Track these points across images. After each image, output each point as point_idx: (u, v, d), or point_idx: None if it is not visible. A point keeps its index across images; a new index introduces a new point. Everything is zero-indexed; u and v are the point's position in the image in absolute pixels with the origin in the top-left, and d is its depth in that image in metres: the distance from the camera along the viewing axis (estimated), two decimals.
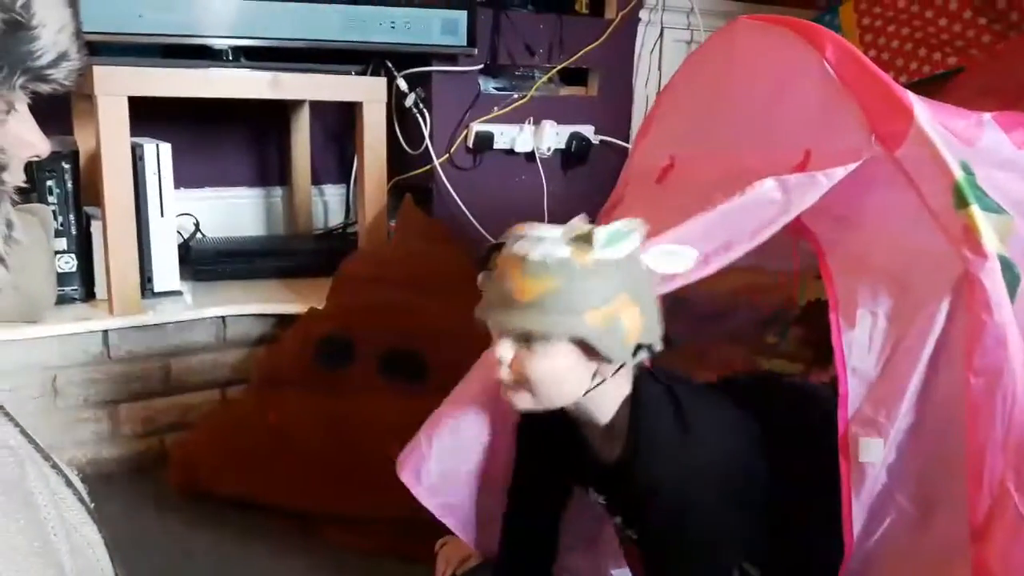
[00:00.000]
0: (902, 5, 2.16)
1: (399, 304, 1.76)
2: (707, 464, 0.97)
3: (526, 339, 0.92)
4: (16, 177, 0.58)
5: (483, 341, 1.59)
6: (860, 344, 0.98)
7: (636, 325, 0.92)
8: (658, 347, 0.96)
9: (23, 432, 0.62)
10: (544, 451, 1.14)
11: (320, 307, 1.81)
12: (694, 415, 0.99)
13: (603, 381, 0.96)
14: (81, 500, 0.65)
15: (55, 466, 0.64)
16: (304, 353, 1.73)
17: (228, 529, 1.54)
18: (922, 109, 0.94)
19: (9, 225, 0.56)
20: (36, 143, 0.60)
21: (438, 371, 1.72)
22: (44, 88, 0.58)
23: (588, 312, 0.89)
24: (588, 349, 0.92)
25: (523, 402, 0.97)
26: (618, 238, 0.89)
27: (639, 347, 0.93)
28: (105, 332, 1.70)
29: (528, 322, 0.90)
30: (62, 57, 0.57)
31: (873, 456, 0.95)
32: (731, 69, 1.15)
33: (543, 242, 0.90)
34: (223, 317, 1.82)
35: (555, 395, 0.96)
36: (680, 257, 0.94)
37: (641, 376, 1.01)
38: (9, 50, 0.53)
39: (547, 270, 0.88)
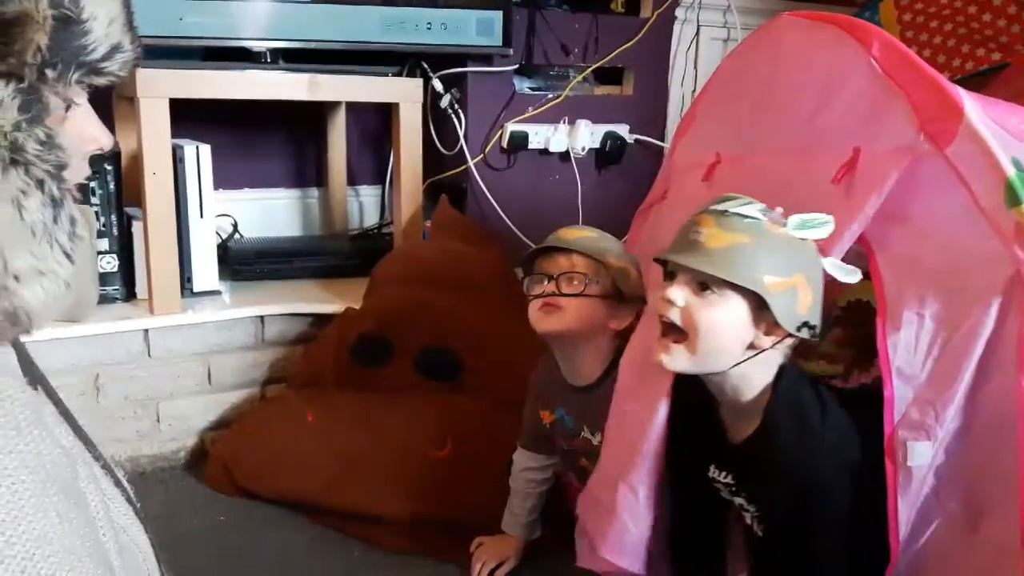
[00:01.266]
0: (944, 0, 2.12)
1: (435, 303, 1.76)
2: (838, 456, 0.98)
3: (702, 287, 0.96)
4: (78, 174, 0.59)
5: (517, 340, 1.58)
6: (906, 346, 0.96)
7: (807, 302, 0.97)
8: (817, 333, 0.99)
9: (77, 430, 0.63)
10: (681, 434, 1.15)
11: (356, 307, 1.82)
12: (831, 408, 1.01)
13: (756, 355, 0.98)
14: (129, 500, 0.66)
15: (105, 466, 0.65)
16: (341, 353, 1.74)
17: (267, 528, 1.55)
18: (972, 105, 0.92)
19: (72, 221, 0.56)
20: (98, 136, 0.60)
21: (473, 369, 1.73)
22: (100, 81, 0.58)
23: (768, 276, 0.94)
24: (757, 313, 0.96)
25: (678, 360, 0.99)
26: (810, 224, 0.96)
27: (804, 324, 0.97)
28: (146, 331, 1.73)
29: (714, 267, 0.94)
30: (115, 49, 0.57)
31: (921, 459, 0.93)
32: (775, 66, 1.13)
33: (742, 205, 0.96)
34: (261, 316, 1.84)
35: (713, 351, 0.98)
36: (852, 275, 0.98)
37: (786, 366, 1.03)
38: (62, 46, 0.53)
39: (741, 227, 0.95)
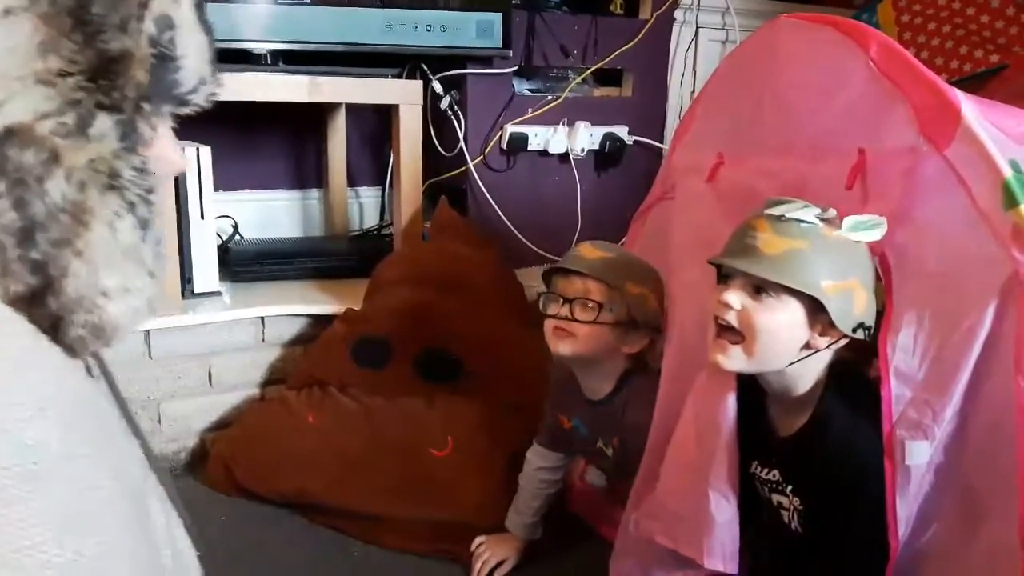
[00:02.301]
0: (942, 2, 2.13)
1: (435, 305, 1.76)
2: (882, 444, 0.98)
3: (758, 291, 0.98)
4: (163, 197, 0.61)
5: (516, 341, 1.58)
6: (904, 345, 0.97)
7: (863, 304, 0.98)
8: (872, 334, 1.00)
9: (144, 444, 0.66)
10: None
11: (357, 308, 1.82)
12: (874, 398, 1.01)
13: (811, 354, 1.00)
14: (181, 516, 0.68)
15: (163, 481, 0.67)
16: (342, 354, 1.75)
17: (267, 528, 1.55)
18: (970, 107, 0.92)
19: (157, 242, 0.59)
20: (178, 161, 0.63)
21: (473, 370, 1.73)
22: (184, 111, 0.62)
23: (826, 279, 0.95)
24: (813, 315, 0.97)
25: (734, 361, 1.01)
26: (863, 227, 0.97)
27: (859, 325, 0.98)
28: (147, 332, 1.73)
29: (771, 273, 0.96)
30: (201, 82, 0.61)
31: (919, 459, 0.94)
32: (775, 68, 1.14)
33: (797, 209, 0.97)
34: (262, 318, 1.84)
35: (769, 352, 0.99)
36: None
37: (839, 362, 1.04)
38: (159, 82, 0.57)
39: (798, 231, 0.96)
